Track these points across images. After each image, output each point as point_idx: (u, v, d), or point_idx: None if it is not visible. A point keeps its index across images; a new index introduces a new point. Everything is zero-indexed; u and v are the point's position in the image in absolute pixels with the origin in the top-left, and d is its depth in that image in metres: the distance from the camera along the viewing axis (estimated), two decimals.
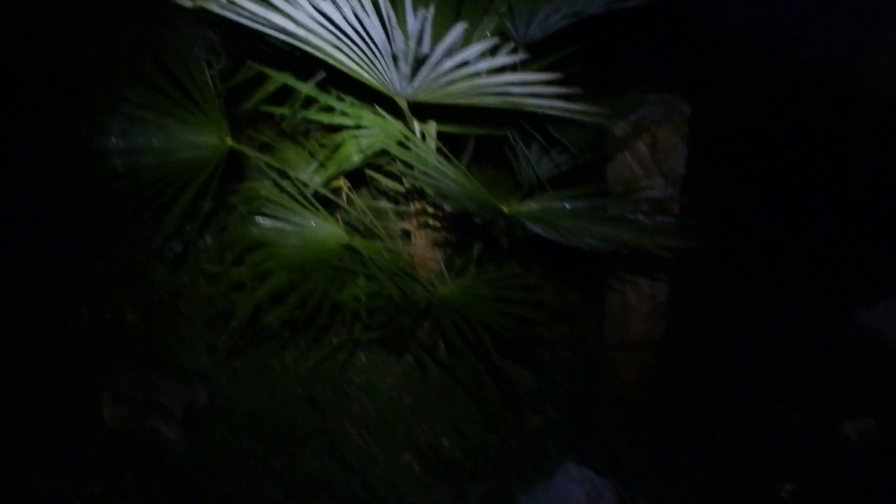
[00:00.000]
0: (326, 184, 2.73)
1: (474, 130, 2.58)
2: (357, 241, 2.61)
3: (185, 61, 2.72)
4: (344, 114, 2.65)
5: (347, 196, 2.85)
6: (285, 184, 2.70)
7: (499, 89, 2.10)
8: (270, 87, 2.69)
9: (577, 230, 2.20)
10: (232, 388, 2.87)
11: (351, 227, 2.85)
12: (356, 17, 2.01)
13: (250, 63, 2.68)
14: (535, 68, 2.51)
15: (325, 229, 2.62)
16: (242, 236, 2.54)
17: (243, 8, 1.99)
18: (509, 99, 2.13)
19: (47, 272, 3.14)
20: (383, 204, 2.97)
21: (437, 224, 2.76)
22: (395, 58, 2.10)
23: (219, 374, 2.89)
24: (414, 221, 2.78)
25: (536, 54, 2.55)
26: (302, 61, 2.52)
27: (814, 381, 3.01)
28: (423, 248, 2.78)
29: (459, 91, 2.15)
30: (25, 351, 2.93)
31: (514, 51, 2.18)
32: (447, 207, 2.31)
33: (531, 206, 2.39)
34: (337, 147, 2.71)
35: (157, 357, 2.95)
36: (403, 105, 2.33)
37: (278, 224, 2.59)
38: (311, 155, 2.82)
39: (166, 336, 3.01)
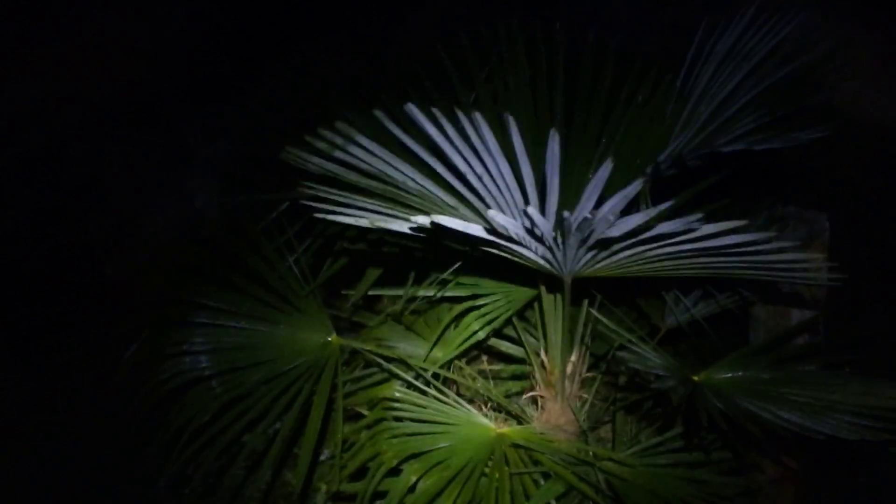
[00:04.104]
0: (448, 365, 2.44)
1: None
2: (508, 430, 2.29)
3: (266, 256, 2.39)
4: (460, 284, 2.37)
5: (460, 368, 2.56)
6: (399, 370, 2.39)
7: (698, 259, 1.84)
8: (374, 274, 2.39)
9: (817, 408, 1.93)
10: None
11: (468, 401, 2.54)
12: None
13: (344, 244, 2.38)
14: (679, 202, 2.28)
15: (467, 419, 2.30)
16: (387, 450, 2.19)
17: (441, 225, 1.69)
18: (711, 269, 1.88)
19: None
20: (495, 367, 2.69)
21: (573, 386, 2.48)
22: (576, 243, 1.82)
23: None
24: (541, 386, 2.49)
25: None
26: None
27: None
28: (557, 413, 2.48)
29: (653, 267, 1.90)
30: None
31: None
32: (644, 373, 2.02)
33: (727, 374, 2.11)
34: (448, 324, 2.43)
35: None
36: (568, 281, 2.05)
37: (421, 427, 2.25)
38: (417, 334, 2.52)
39: None
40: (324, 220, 2.30)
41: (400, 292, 2.40)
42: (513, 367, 2.66)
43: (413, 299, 2.44)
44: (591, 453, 2.27)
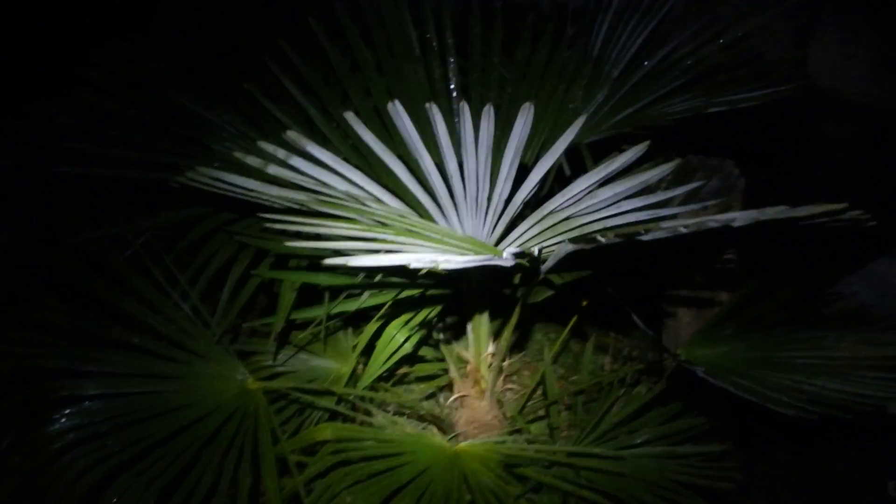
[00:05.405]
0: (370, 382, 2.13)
1: None
2: (464, 445, 2.03)
3: (143, 296, 1.96)
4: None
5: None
6: (326, 403, 2.07)
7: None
8: (289, 298, 2.03)
9: (835, 367, 1.84)
10: None
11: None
12: None
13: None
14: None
15: (420, 442, 2.01)
16: (353, 501, 1.86)
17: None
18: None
19: None
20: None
21: (500, 379, 2.28)
22: None
23: None
24: (459, 384, 2.27)
25: None
26: None
27: None
28: (483, 411, 2.27)
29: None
30: None
31: None
32: None
33: (713, 348, 1.98)
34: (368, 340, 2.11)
35: None
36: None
37: (374, 464, 1.93)
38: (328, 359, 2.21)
39: None
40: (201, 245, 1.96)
41: (318, 312, 2.04)
42: (419, 368, 2.39)
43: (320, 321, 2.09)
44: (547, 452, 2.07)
